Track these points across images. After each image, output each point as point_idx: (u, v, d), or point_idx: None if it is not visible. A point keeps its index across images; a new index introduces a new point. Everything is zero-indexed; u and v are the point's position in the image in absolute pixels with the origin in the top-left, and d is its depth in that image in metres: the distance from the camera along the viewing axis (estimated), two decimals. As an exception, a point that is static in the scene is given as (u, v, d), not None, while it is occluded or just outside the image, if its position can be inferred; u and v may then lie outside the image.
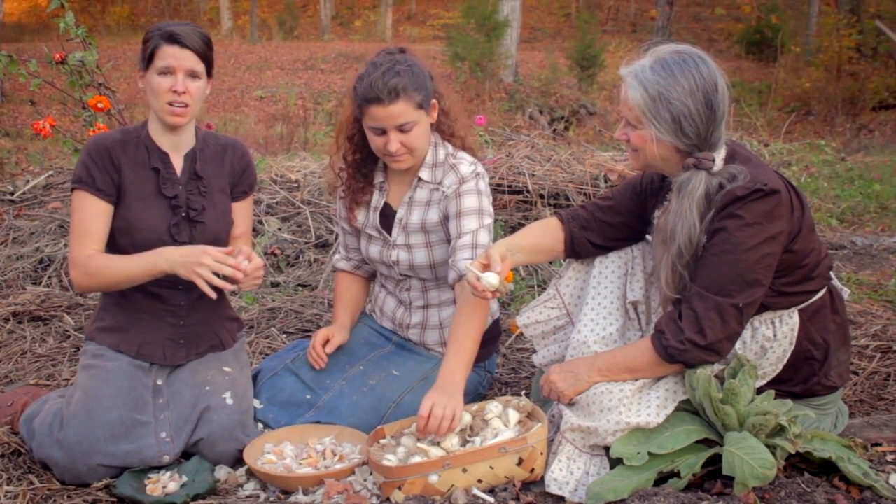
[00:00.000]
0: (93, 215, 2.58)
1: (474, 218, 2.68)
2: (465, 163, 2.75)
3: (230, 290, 2.53)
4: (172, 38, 2.53)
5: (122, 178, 2.60)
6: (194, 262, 2.43)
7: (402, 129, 2.62)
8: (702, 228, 2.28)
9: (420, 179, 2.78)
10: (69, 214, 4.91)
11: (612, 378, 2.35)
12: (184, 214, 2.66)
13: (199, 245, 2.51)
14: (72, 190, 2.62)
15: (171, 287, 2.66)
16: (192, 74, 2.57)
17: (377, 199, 2.88)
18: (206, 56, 2.60)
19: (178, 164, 2.70)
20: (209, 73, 2.64)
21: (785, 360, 2.38)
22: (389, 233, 2.84)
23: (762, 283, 2.27)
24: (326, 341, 2.86)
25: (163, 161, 2.67)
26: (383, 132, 2.63)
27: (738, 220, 2.22)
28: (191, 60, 2.56)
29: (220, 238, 2.73)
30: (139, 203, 2.61)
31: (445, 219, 2.75)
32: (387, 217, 2.86)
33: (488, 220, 2.71)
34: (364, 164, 2.87)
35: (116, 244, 2.63)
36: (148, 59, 2.56)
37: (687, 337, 2.24)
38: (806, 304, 2.39)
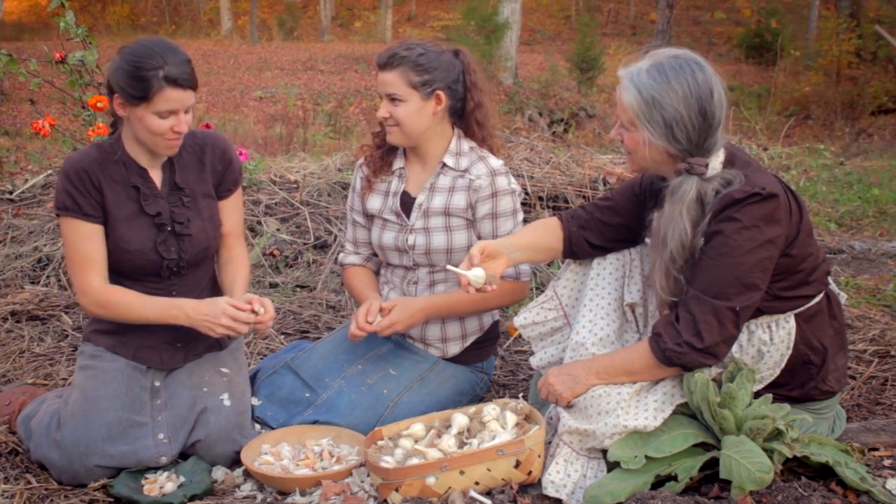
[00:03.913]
0: (87, 240, 2.55)
1: (510, 220, 2.84)
2: (493, 157, 2.87)
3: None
4: (175, 83, 2.43)
5: (104, 198, 2.56)
6: (212, 323, 2.48)
7: (391, 98, 2.75)
8: (696, 233, 2.27)
9: (444, 165, 2.85)
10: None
11: (610, 381, 2.35)
12: (169, 229, 2.63)
13: (218, 302, 2.50)
14: (57, 215, 2.58)
15: (167, 292, 2.66)
16: (188, 109, 2.52)
17: (395, 186, 2.92)
18: (197, 86, 2.54)
19: (156, 177, 2.64)
20: None
21: (783, 365, 2.39)
22: (408, 217, 2.87)
23: (759, 287, 2.27)
24: (367, 315, 2.77)
25: (142, 177, 2.61)
26: (382, 98, 2.79)
27: (735, 224, 2.23)
28: (190, 99, 2.50)
29: (210, 246, 2.73)
30: (123, 224, 2.58)
31: (471, 208, 2.82)
32: (405, 204, 2.90)
33: (520, 217, 2.89)
34: (385, 141, 2.93)
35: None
36: (144, 99, 2.44)
37: (684, 340, 2.24)
38: (803, 308, 2.39)
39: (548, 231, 2.66)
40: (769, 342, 2.37)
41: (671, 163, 2.34)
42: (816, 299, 2.41)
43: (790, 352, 2.38)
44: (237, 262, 2.80)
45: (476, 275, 2.40)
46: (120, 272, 2.62)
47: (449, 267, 2.46)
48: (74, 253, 2.56)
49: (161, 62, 2.42)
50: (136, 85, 2.43)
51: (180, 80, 2.44)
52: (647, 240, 2.59)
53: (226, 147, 2.77)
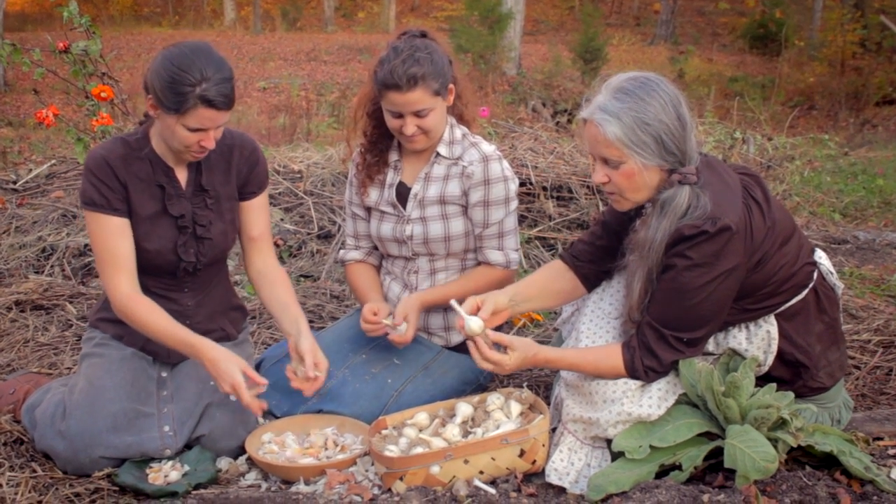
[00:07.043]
0: (116, 236, 2.49)
1: (501, 208, 2.81)
2: (485, 143, 2.85)
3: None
4: (211, 104, 2.34)
5: (128, 194, 2.52)
6: (219, 381, 2.40)
7: (418, 114, 2.68)
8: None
9: (438, 155, 2.84)
10: (72, 204, 4.92)
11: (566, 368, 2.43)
12: (190, 231, 2.60)
13: (231, 369, 2.37)
14: (83, 209, 2.53)
15: (178, 290, 2.66)
16: (220, 126, 2.46)
17: (392, 177, 2.91)
18: (234, 104, 2.44)
19: (182, 176, 2.60)
20: None
21: (768, 365, 2.39)
22: (404, 207, 2.86)
23: (710, 320, 2.29)
24: (374, 313, 2.77)
25: (167, 176, 2.56)
26: (400, 115, 2.70)
27: (685, 261, 2.22)
28: (224, 118, 2.42)
29: (228, 248, 2.71)
30: (146, 223, 2.55)
31: (465, 195, 2.80)
32: (401, 194, 2.89)
33: (514, 205, 2.85)
34: (381, 140, 2.91)
35: None
36: (178, 111, 2.35)
37: (646, 365, 2.30)
38: (783, 308, 2.38)
39: (556, 274, 2.67)
40: (745, 341, 2.38)
41: (666, 181, 2.30)
42: (798, 298, 2.39)
43: (774, 351, 2.38)
44: (279, 279, 2.73)
45: (476, 324, 2.38)
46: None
47: (453, 303, 2.45)
48: (103, 250, 2.50)
49: (200, 78, 2.32)
50: (172, 97, 2.34)
51: (216, 102, 2.35)
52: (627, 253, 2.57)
53: (254, 148, 2.71)
